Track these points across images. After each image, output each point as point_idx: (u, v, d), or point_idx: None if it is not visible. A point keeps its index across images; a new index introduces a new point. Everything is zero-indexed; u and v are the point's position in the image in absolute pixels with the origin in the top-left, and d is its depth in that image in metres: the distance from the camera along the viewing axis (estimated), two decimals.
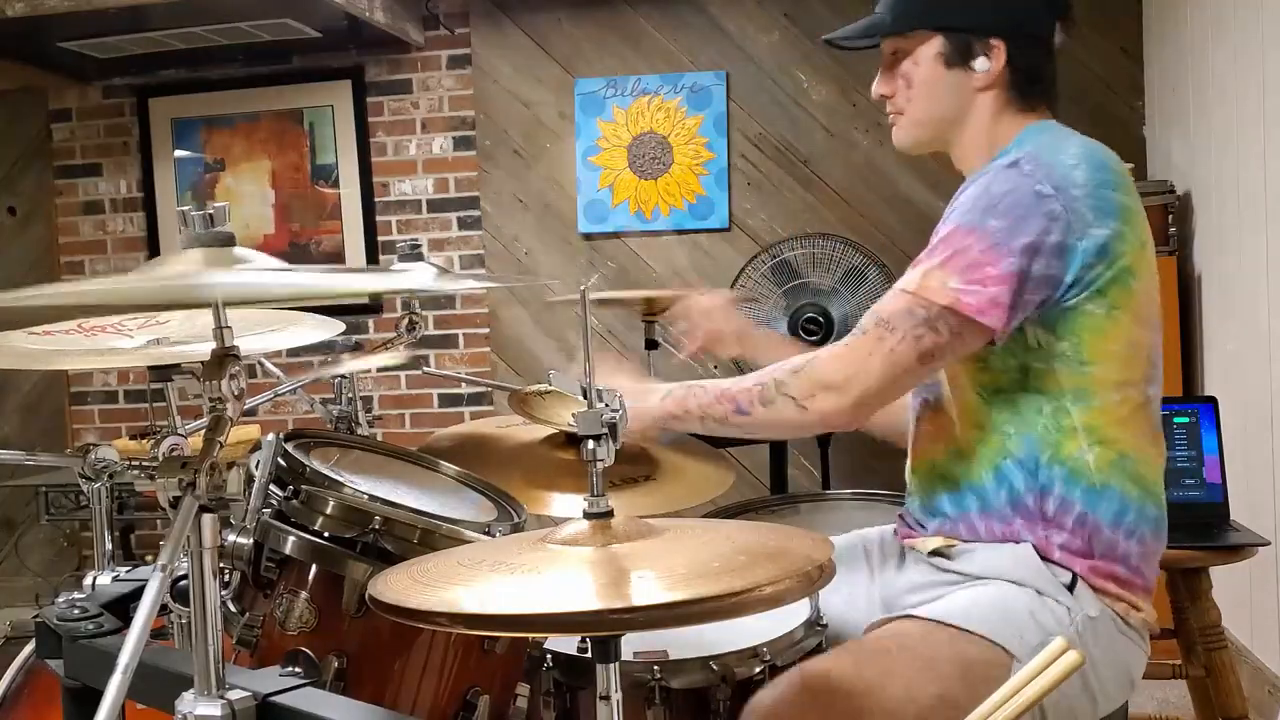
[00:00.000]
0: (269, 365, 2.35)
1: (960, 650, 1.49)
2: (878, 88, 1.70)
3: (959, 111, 1.65)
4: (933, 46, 1.62)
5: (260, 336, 1.66)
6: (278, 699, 1.20)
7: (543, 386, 2.28)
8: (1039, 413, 1.54)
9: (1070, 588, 1.55)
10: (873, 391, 1.52)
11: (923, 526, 1.67)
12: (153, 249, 4.82)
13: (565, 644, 1.65)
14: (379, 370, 4.49)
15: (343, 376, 2.24)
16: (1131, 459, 1.57)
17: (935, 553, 1.62)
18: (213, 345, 1.18)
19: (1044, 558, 1.56)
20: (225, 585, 1.50)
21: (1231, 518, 2.51)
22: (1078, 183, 1.51)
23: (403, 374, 4.64)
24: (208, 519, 1.15)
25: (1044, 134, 1.61)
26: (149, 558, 2.12)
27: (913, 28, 1.63)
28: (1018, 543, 1.57)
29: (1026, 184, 1.49)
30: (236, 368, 1.16)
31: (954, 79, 1.63)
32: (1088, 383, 1.54)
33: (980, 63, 1.61)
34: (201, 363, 1.18)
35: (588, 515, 1.23)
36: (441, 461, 1.88)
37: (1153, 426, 1.60)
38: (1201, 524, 2.47)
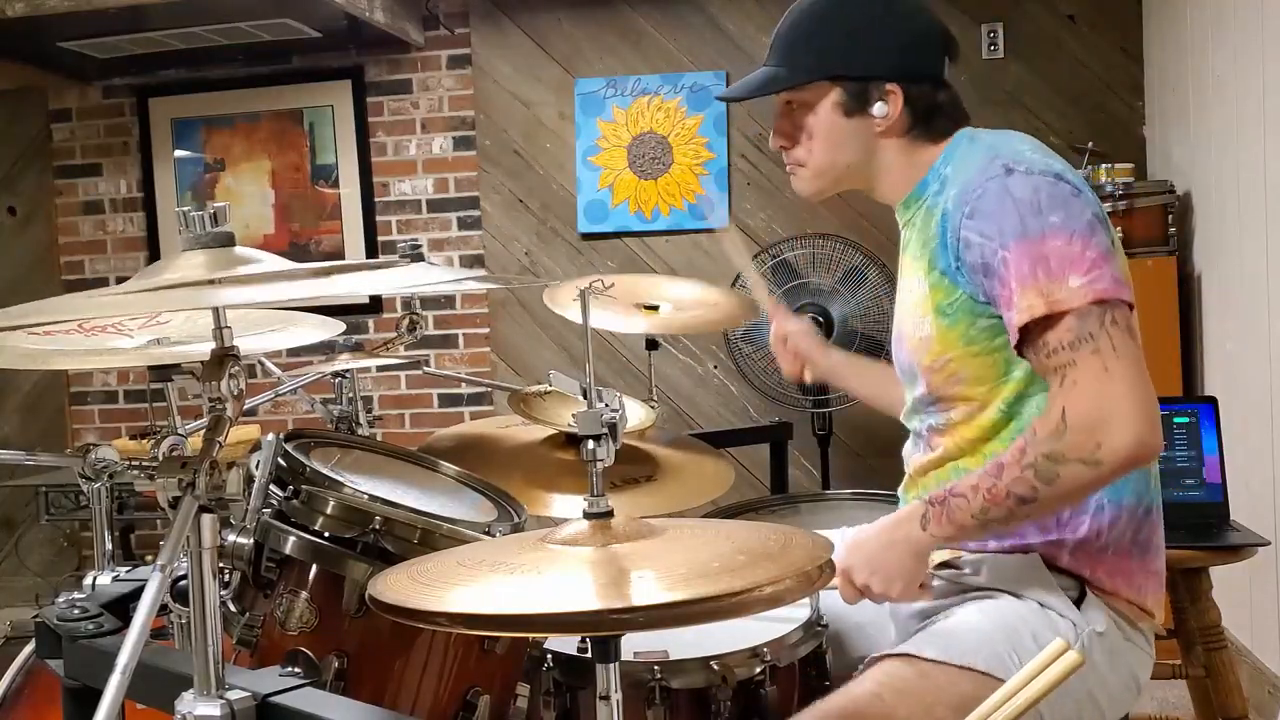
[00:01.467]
0: (269, 365, 2.35)
1: (958, 690, 1.46)
2: (776, 140, 1.69)
3: (863, 157, 1.64)
4: (831, 97, 1.62)
5: (260, 336, 1.66)
6: (278, 699, 1.20)
7: (543, 387, 2.28)
8: None
9: (1079, 602, 1.54)
10: (1143, 397, 1.40)
11: None
12: (153, 249, 4.82)
13: (565, 644, 1.65)
14: (379, 370, 4.49)
15: (343, 376, 2.25)
16: None
17: (942, 565, 1.61)
18: (213, 345, 1.18)
19: (1052, 565, 1.55)
20: (225, 585, 1.51)
21: (1231, 518, 2.51)
22: (1058, 166, 1.51)
23: (403, 374, 4.64)
24: (207, 519, 1.15)
25: (976, 141, 1.60)
26: (149, 558, 2.12)
27: (809, 80, 1.62)
28: (1025, 552, 1.56)
29: (1040, 180, 1.47)
30: (236, 368, 1.16)
31: (854, 126, 1.62)
32: None
33: (878, 108, 1.60)
34: (201, 363, 1.18)
35: (588, 515, 1.23)
36: (441, 461, 1.88)
37: None
38: (1201, 524, 2.47)
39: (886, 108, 1.60)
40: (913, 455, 1.69)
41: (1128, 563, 1.56)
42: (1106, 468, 1.39)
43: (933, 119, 1.62)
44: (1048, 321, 1.42)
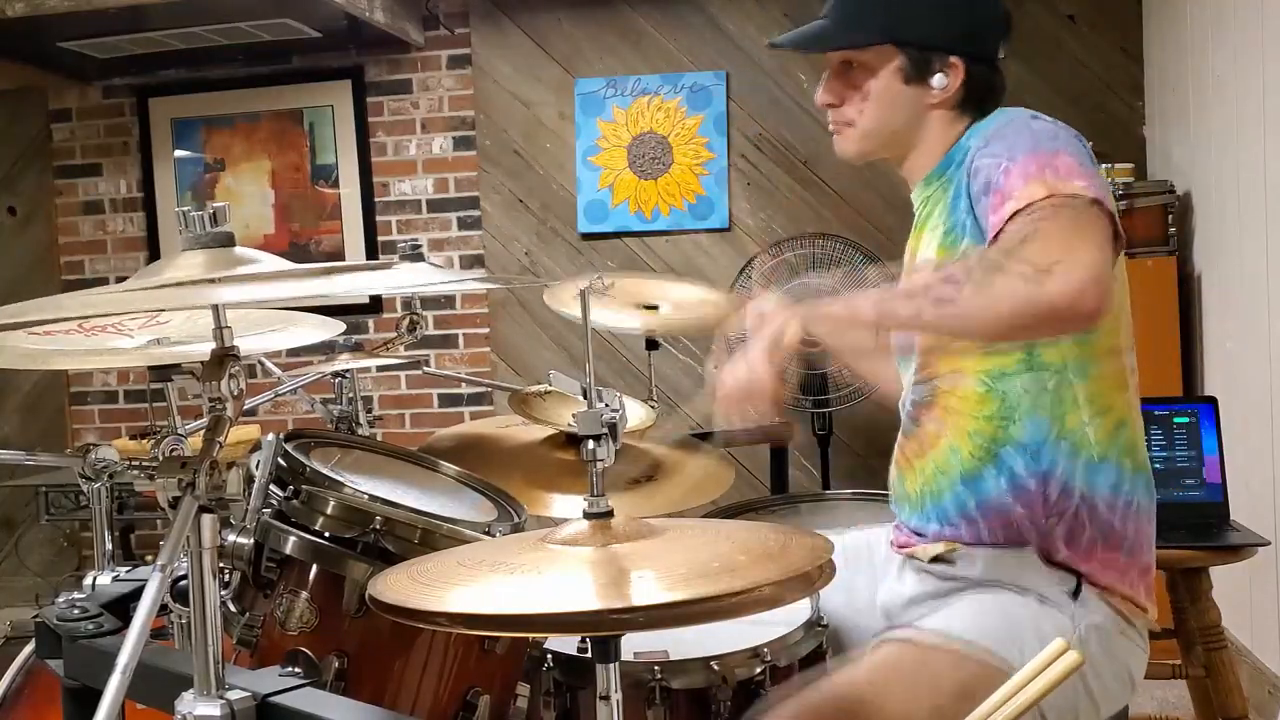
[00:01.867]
0: (269, 365, 2.35)
1: (961, 671, 1.47)
2: (825, 96, 1.68)
3: (910, 126, 1.65)
4: (893, 61, 1.62)
5: (260, 336, 1.66)
6: (278, 699, 1.20)
7: (543, 387, 2.28)
8: (1044, 389, 1.53)
9: (1075, 594, 1.54)
10: (1104, 266, 1.31)
11: (920, 535, 1.66)
12: (153, 249, 4.82)
13: (565, 644, 1.65)
14: (379, 370, 4.49)
15: (343, 376, 2.25)
16: (1128, 428, 1.58)
17: (937, 559, 1.61)
18: (213, 345, 1.18)
19: (1049, 560, 1.55)
20: (225, 585, 1.51)
21: (1231, 518, 2.51)
22: (1076, 132, 1.52)
23: (403, 374, 4.64)
24: (207, 519, 1.15)
25: (1002, 112, 1.61)
26: (149, 558, 2.12)
27: (875, 41, 1.62)
28: (1021, 545, 1.56)
29: (1060, 127, 1.49)
30: (236, 368, 1.16)
31: (910, 95, 1.62)
32: (1089, 351, 1.53)
33: (938, 79, 1.61)
34: (201, 363, 1.18)
35: (588, 515, 1.23)
36: (441, 461, 1.88)
37: (1138, 396, 1.61)
38: (1201, 524, 2.47)
39: (946, 80, 1.61)
40: (901, 439, 1.70)
41: (1117, 558, 1.57)
42: (1040, 292, 1.27)
43: (984, 99, 1.64)
44: (1042, 203, 1.37)
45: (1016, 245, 1.32)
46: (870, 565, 1.78)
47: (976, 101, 1.63)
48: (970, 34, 1.62)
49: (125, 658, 1.03)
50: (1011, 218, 1.37)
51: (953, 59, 1.60)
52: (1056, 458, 1.54)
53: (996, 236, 1.40)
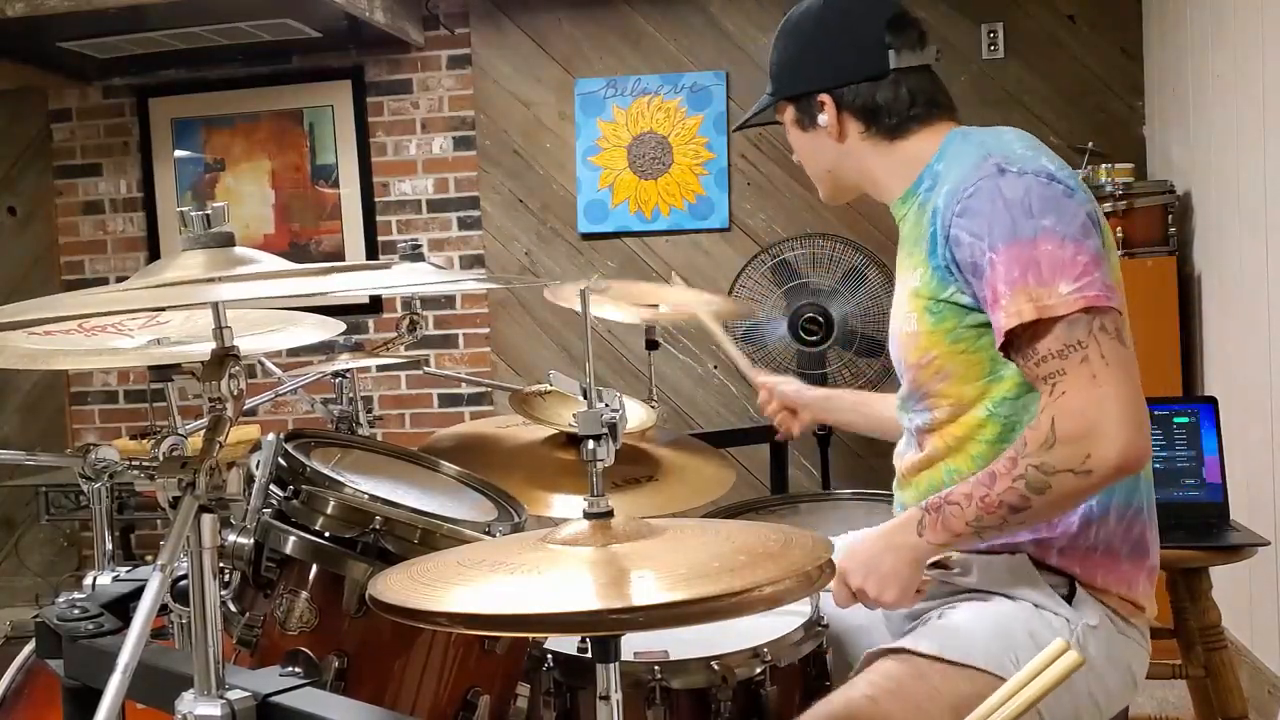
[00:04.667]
0: (269, 365, 2.35)
1: (954, 688, 1.47)
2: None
3: (842, 165, 1.73)
4: (788, 115, 1.75)
5: (260, 336, 1.66)
6: (278, 699, 1.20)
7: (543, 387, 2.28)
8: None
9: (1069, 598, 1.54)
10: (1131, 406, 1.39)
11: None
12: (153, 249, 4.82)
13: (565, 644, 1.65)
14: (379, 370, 4.49)
15: (343, 376, 2.25)
16: None
17: (934, 565, 1.61)
18: (213, 345, 1.18)
19: (1041, 563, 1.55)
20: (225, 585, 1.51)
21: (1231, 518, 2.50)
22: (1050, 165, 1.51)
23: (403, 374, 4.64)
24: (208, 519, 1.15)
25: (968, 138, 1.60)
26: (149, 558, 2.12)
27: (772, 102, 1.78)
28: (1014, 552, 1.56)
29: (1032, 180, 1.47)
30: (236, 368, 1.16)
31: (814, 138, 1.73)
32: None
33: (822, 119, 1.69)
34: (201, 363, 1.18)
35: (588, 515, 1.23)
36: (442, 461, 1.88)
37: None
38: (1201, 524, 2.47)
39: (825, 117, 1.69)
40: (904, 454, 1.70)
41: (1118, 561, 1.56)
42: (1096, 476, 1.40)
43: (877, 117, 1.66)
44: (1036, 327, 1.42)
45: (1047, 434, 1.41)
46: None
47: (876, 122, 1.66)
48: (834, 69, 1.68)
49: (125, 658, 1.03)
50: (1012, 335, 1.44)
51: (820, 97, 1.68)
52: None
53: (1007, 349, 1.47)
